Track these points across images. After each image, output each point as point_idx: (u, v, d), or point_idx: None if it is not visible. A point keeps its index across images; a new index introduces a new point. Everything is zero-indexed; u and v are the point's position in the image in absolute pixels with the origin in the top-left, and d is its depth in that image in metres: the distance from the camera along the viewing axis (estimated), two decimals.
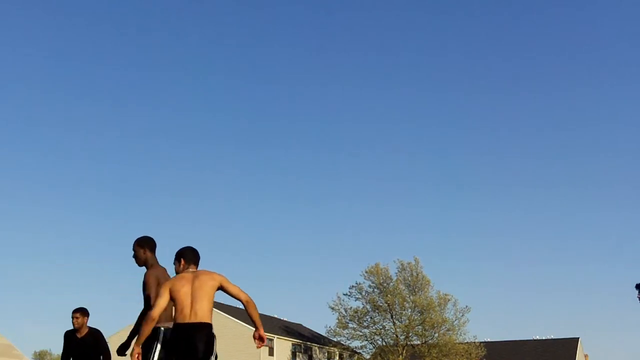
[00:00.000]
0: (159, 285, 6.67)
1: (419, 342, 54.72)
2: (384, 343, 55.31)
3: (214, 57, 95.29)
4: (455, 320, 54.03)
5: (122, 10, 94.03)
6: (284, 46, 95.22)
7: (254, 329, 6.52)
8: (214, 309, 58.51)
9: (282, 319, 66.84)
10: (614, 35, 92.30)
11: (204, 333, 6.01)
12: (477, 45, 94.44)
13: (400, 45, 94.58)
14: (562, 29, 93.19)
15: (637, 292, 9.85)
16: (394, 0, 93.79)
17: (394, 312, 54.60)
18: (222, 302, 62.31)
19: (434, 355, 53.23)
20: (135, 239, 7.03)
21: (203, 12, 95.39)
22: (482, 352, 54.77)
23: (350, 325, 55.54)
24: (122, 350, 7.21)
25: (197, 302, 6.08)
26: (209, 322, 6.13)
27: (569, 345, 64.54)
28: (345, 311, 55.71)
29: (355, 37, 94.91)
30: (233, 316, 58.05)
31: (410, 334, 54.40)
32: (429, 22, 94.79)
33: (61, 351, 8.84)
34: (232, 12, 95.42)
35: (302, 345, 61.67)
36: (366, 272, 55.55)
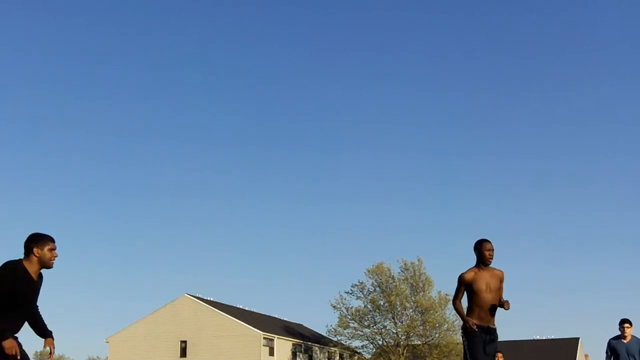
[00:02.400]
0: None
1: (419, 343, 54.73)
2: (384, 343, 55.35)
3: (214, 57, 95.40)
4: (456, 320, 54.08)
5: (122, 10, 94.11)
6: (284, 46, 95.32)
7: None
8: (214, 308, 58.77)
9: (282, 319, 66.87)
10: (614, 35, 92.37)
11: None
12: (477, 45, 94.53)
13: (400, 45, 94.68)
14: (562, 29, 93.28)
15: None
16: (394, 0, 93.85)
17: (395, 312, 54.64)
18: (222, 302, 62.37)
19: (434, 355, 53.25)
20: (488, 239, 7.71)
21: (203, 12, 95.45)
22: None
23: (351, 324, 55.57)
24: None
25: None
26: None
27: (569, 345, 64.57)
28: (347, 310, 55.76)
29: (355, 37, 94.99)
30: (233, 316, 58.09)
31: (410, 334, 54.42)
32: (429, 22, 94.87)
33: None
34: (232, 12, 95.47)
35: (303, 345, 61.70)
36: (369, 270, 55.58)
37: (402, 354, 54.13)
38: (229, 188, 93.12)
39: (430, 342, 54.06)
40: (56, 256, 6.13)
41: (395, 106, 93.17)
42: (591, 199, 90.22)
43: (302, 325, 69.11)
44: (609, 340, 10.58)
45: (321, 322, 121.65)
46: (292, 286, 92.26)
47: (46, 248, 6.04)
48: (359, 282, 55.90)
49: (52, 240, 6.11)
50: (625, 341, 10.38)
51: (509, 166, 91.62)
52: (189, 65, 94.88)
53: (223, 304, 61.63)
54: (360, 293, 55.70)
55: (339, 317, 55.75)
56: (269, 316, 65.83)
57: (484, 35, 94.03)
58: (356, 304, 55.78)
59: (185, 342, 58.00)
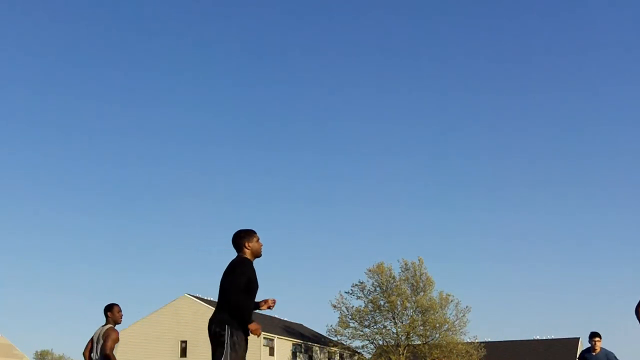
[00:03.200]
0: None
1: (419, 343, 54.74)
2: (384, 343, 55.35)
3: (214, 58, 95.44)
4: (456, 320, 54.10)
5: (122, 11, 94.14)
6: (283, 46, 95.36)
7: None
8: (214, 308, 58.67)
9: (282, 319, 66.87)
10: (614, 35, 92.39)
11: None
12: (477, 45, 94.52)
13: (400, 45, 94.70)
14: (562, 29, 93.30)
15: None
16: (394, 2, 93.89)
17: (395, 312, 54.64)
18: None
19: (434, 355, 53.27)
20: None
21: (203, 13, 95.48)
22: (482, 352, 54.82)
23: (351, 324, 55.58)
24: None
25: None
26: None
27: (569, 345, 64.52)
28: (347, 310, 55.79)
29: (355, 37, 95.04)
30: None
31: (411, 334, 54.43)
32: (428, 22, 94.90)
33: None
34: (233, 13, 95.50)
35: (303, 345, 61.70)
36: (369, 270, 55.57)
37: (403, 354, 54.13)
38: (229, 188, 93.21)
39: (430, 342, 54.07)
40: (262, 245, 6.74)
41: (395, 106, 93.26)
42: (591, 199, 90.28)
43: (302, 325, 69.12)
44: (582, 353, 11.86)
45: (321, 322, 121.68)
46: (292, 286, 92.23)
47: (254, 240, 6.65)
48: (359, 282, 55.97)
49: (255, 232, 6.74)
50: (594, 353, 11.62)
51: (509, 166, 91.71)
52: (188, 66, 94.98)
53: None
54: (361, 293, 55.75)
55: (339, 317, 55.80)
56: (269, 316, 65.83)
57: (484, 35, 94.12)
58: (356, 303, 55.86)
59: (185, 342, 58.00)
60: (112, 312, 9.24)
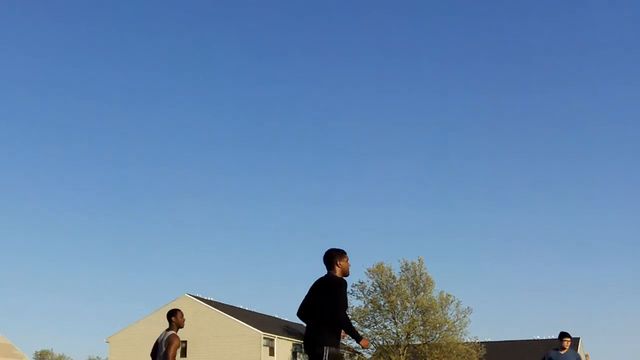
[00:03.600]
0: None
1: (419, 343, 54.67)
2: (384, 343, 55.29)
3: (214, 58, 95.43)
4: (457, 320, 54.03)
5: (122, 11, 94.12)
6: (283, 46, 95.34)
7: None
8: (214, 308, 58.68)
9: (283, 319, 66.84)
10: (614, 35, 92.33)
11: None
12: (477, 45, 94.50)
13: (400, 45, 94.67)
14: (562, 29, 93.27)
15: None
16: (394, 2, 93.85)
17: (395, 312, 54.57)
18: (222, 302, 62.31)
19: (435, 355, 53.21)
20: None
21: (203, 13, 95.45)
22: (482, 352, 54.77)
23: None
24: None
25: None
26: None
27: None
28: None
29: (355, 37, 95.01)
30: (233, 316, 58.05)
31: (411, 334, 54.37)
32: (428, 22, 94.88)
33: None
34: (233, 13, 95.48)
35: (303, 345, 61.64)
36: (369, 270, 55.50)
37: (403, 354, 54.07)
38: (229, 188, 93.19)
39: (430, 342, 54.02)
40: (350, 265, 7.14)
41: (395, 106, 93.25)
42: (591, 199, 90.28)
43: (302, 325, 69.05)
44: (549, 352, 12.32)
45: None
46: (292, 286, 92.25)
47: (345, 260, 7.05)
48: (359, 282, 55.88)
49: (346, 253, 7.13)
50: (563, 352, 12.03)
51: (509, 166, 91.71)
52: (188, 66, 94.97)
53: (223, 304, 61.59)
54: (361, 293, 55.66)
55: None
56: (269, 316, 65.79)
57: (484, 35, 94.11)
58: (356, 303, 55.79)
59: (185, 342, 57.95)
60: (175, 317, 9.55)
